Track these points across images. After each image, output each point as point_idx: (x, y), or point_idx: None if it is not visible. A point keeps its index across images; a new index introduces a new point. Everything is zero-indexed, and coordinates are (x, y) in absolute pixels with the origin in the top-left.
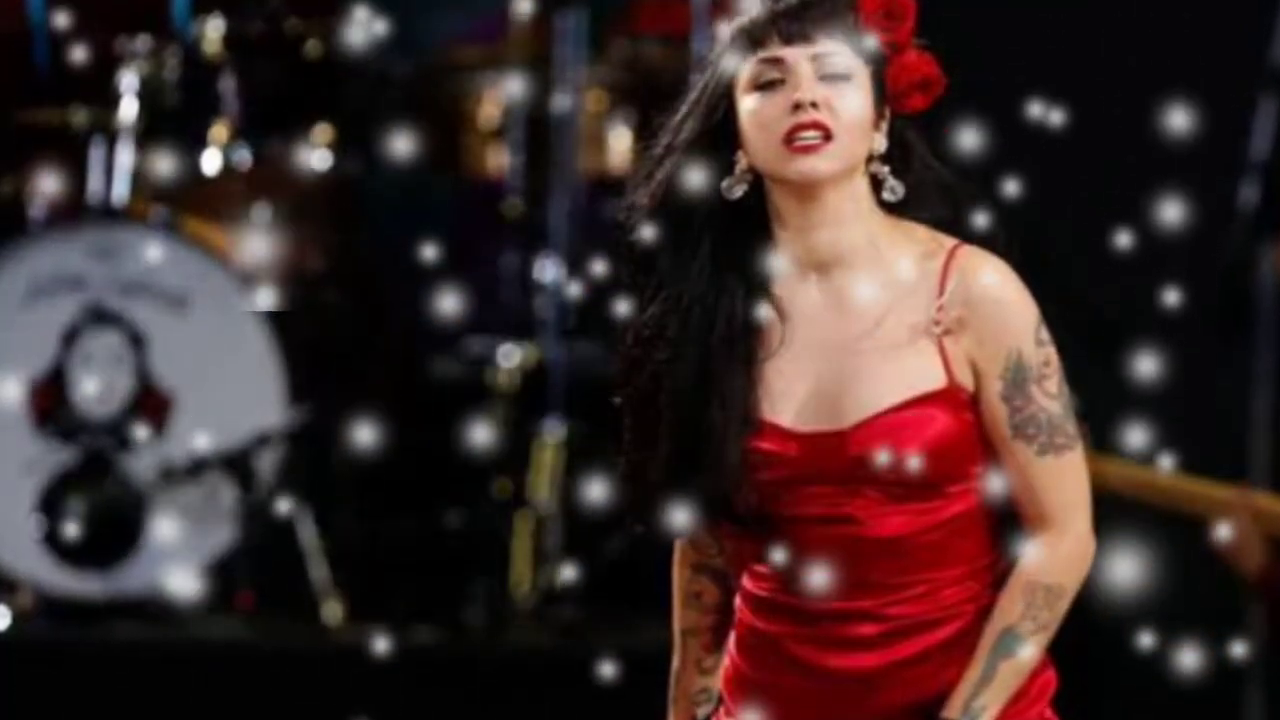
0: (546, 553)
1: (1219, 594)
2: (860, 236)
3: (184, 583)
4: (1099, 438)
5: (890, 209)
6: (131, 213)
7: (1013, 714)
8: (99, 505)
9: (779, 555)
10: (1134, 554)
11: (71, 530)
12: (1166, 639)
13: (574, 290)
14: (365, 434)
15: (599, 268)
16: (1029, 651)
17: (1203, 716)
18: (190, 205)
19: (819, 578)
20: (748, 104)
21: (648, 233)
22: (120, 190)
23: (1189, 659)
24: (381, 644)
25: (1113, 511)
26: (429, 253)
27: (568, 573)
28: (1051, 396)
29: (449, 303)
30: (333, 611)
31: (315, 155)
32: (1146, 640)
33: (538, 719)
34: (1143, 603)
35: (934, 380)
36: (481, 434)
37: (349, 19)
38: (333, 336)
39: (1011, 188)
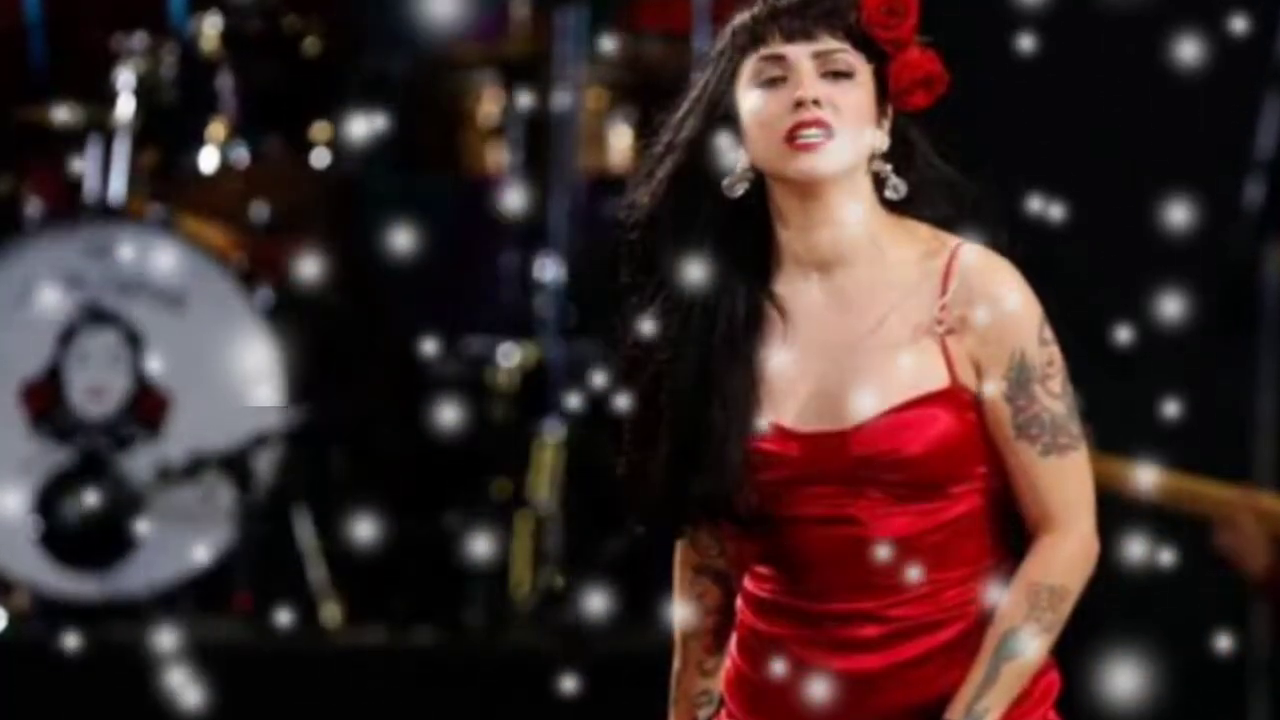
0: (546, 554)
1: (1221, 704)
2: (862, 235)
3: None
4: (1103, 438)
5: (893, 207)
6: (128, 211)
7: (1016, 716)
8: (95, 506)
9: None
10: (1134, 665)
11: (68, 531)
12: None
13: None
14: (365, 529)
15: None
16: (1033, 653)
17: None
18: (188, 203)
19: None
20: (749, 102)
21: (649, 231)
22: (117, 189)
23: None
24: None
25: (1115, 621)
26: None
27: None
28: (1055, 396)
29: (448, 414)
30: (331, 613)
31: (314, 154)
32: None
33: None
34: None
35: (937, 380)
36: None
37: (350, 120)
38: (331, 336)
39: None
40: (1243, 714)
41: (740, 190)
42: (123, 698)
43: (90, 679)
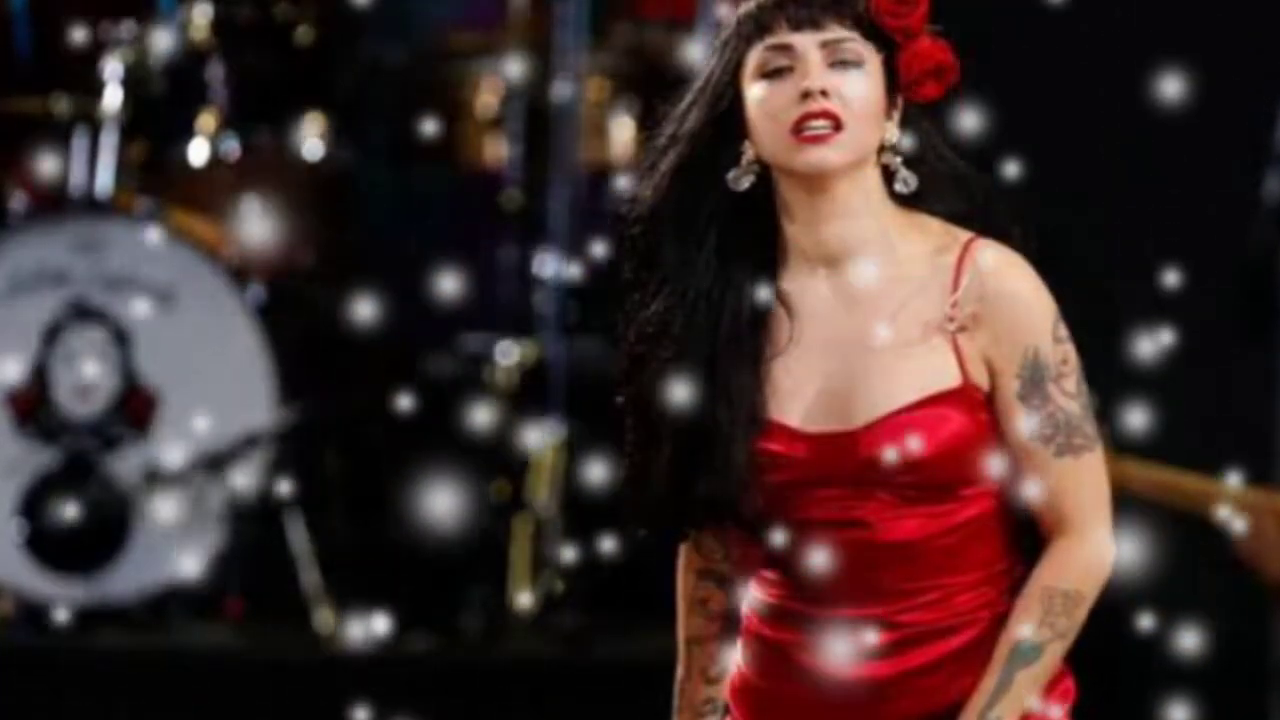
0: (546, 557)
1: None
2: (871, 230)
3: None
4: (1118, 438)
5: (904, 201)
6: (116, 205)
7: None
8: (82, 508)
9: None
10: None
11: (54, 534)
12: None
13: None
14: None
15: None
16: (1046, 660)
17: None
18: (177, 197)
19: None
20: (755, 92)
21: (651, 226)
22: (104, 181)
23: None
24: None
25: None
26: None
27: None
28: (1070, 396)
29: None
30: (324, 618)
31: (306, 145)
32: None
33: None
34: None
35: (948, 379)
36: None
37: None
38: (325, 334)
39: (1018, 175)
40: (1262, 717)
41: (746, 184)
42: (109, 707)
43: (76, 688)
